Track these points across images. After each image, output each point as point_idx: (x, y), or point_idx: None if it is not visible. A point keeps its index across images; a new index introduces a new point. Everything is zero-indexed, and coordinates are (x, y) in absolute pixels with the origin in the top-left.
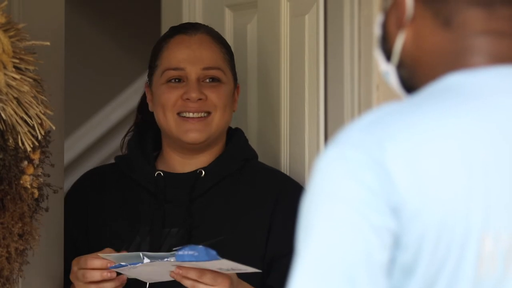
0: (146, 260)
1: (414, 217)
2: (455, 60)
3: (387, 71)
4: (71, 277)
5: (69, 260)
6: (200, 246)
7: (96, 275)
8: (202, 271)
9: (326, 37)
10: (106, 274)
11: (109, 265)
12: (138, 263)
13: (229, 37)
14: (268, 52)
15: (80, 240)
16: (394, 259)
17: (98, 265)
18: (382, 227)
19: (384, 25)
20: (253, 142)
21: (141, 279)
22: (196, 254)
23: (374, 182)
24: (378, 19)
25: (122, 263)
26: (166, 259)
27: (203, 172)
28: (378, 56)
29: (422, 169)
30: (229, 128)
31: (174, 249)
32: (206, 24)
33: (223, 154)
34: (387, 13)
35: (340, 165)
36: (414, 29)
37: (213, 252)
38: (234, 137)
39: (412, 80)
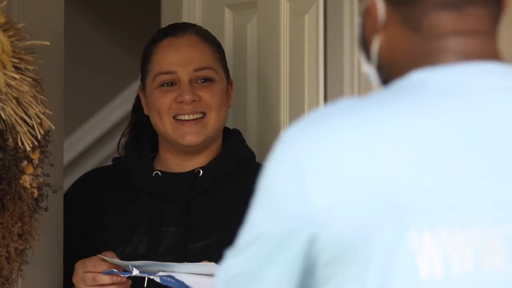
0: (135, 272)
1: (327, 224)
2: (423, 60)
3: (368, 72)
4: (75, 280)
5: (66, 261)
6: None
7: (106, 279)
8: None
9: (325, 37)
10: (116, 278)
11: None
12: (128, 273)
13: (229, 37)
14: (267, 52)
15: (77, 241)
16: (315, 263)
17: (106, 269)
18: (292, 240)
19: (363, 26)
20: (252, 142)
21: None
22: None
23: (291, 190)
24: (357, 21)
25: (114, 270)
26: (152, 276)
27: (201, 172)
28: (361, 57)
29: (341, 174)
30: (227, 129)
31: (162, 274)
32: (202, 24)
33: (221, 155)
34: (364, 16)
35: (269, 170)
36: (387, 34)
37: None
38: (232, 137)
39: (389, 82)
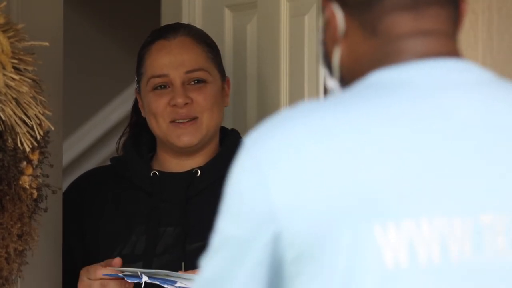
0: (144, 278)
1: (290, 221)
2: (384, 63)
3: (333, 86)
4: (81, 286)
5: (65, 261)
6: None
7: (116, 286)
8: None
9: None
10: (127, 287)
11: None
12: (137, 279)
13: (228, 37)
14: (267, 53)
15: (75, 242)
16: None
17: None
18: (257, 241)
19: (324, 42)
20: None
21: None
22: None
23: (253, 191)
24: (318, 37)
25: (119, 274)
26: (165, 285)
27: (199, 172)
28: (324, 72)
29: (301, 173)
30: (225, 129)
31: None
32: (202, 25)
33: (219, 154)
34: (323, 30)
35: (233, 174)
36: (348, 43)
37: None
38: (230, 137)
39: None
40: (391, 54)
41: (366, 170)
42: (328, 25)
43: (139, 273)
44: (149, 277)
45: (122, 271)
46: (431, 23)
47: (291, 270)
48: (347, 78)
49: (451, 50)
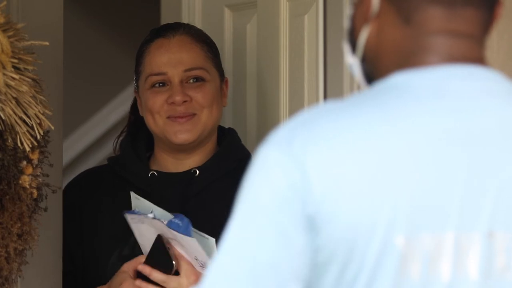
0: (150, 215)
1: (327, 222)
2: (408, 59)
3: (352, 63)
4: None
5: (64, 262)
6: (186, 220)
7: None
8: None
9: (325, 37)
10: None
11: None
12: (147, 214)
13: (228, 37)
14: (267, 52)
15: (74, 244)
16: (310, 260)
17: None
18: (293, 233)
19: (352, 18)
20: (252, 143)
21: (139, 241)
22: (180, 224)
23: (290, 185)
24: (346, 12)
25: (136, 211)
26: (162, 220)
27: (197, 172)
28: (346, 48)
29: (340, 175)
30: (223, 128)
31: (172, 215)
32: (202, 24)
33: (217, 154)
34: (355, 6)
35: (262, 165)
36: (378, 25)
37: (190, 230)
38: (227, 137)
39: (372, 75)
40: (418, 50)
41: (390, 179)
42: (361, 2)
43: (151, 210)
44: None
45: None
46: (463, 25)
47: (314, 272)
48: (370, 60)
49: (477, 56)
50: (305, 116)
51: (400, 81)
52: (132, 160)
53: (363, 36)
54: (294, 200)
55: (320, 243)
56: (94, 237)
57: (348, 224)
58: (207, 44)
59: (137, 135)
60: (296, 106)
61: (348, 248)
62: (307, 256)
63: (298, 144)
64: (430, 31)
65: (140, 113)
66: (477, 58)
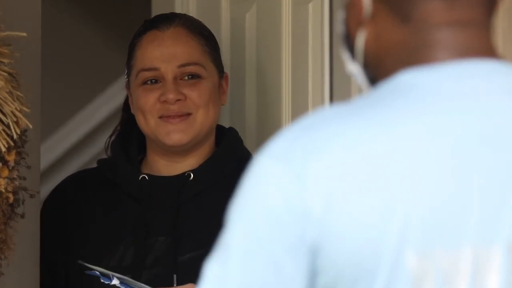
0: (115, 281)
1: (330, 243)
2: (415, 56)
3: (354, 71)
4: None
5: (46, 278)
6: None
7: None
8: None
9: (331, 27)
10: None
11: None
12: (108, 280)
13: (225, 27)
14: (268, 44)
15: (58, 255)
16: (313, 283)
17: None
18: (286, 260)
19: (346, 22)
20: (251, 143)
21: None
22: None
23: (286, 206)
24: (338, 16)
25: (97, 273)
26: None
27: (192, 175)
28: (344, 55)
29: (344, 190)
30: (222, 127)
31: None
32: (196, 14)
33: (214, 155)
34: (347, 10)
35: (257, 181)
36: (374, 27)
37: None
38: (227, 136)
39: (377, 80)
40: (423, 46)
41: (399, 190)
42: (352, 5)
43: (111, 276)
44: (121, 282)
45: (95, 269)
46: (467, 12)
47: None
48: (373, 65)
49: (486, 46)
50: (306, 123)
51: (405, 80)
52: (122, 163)
53: (360, 41)
54: (289, 223)
55: (321, 266)
56: (80, 247)
57: (354, 244)
58: (204, 37)
59: (129, 135)
60: (299, 103)
61: (355, 271)
62: (302, 282)
63: (298, 155)
64: (433, 25)
65: (132, 110)
66: (486, 48)
